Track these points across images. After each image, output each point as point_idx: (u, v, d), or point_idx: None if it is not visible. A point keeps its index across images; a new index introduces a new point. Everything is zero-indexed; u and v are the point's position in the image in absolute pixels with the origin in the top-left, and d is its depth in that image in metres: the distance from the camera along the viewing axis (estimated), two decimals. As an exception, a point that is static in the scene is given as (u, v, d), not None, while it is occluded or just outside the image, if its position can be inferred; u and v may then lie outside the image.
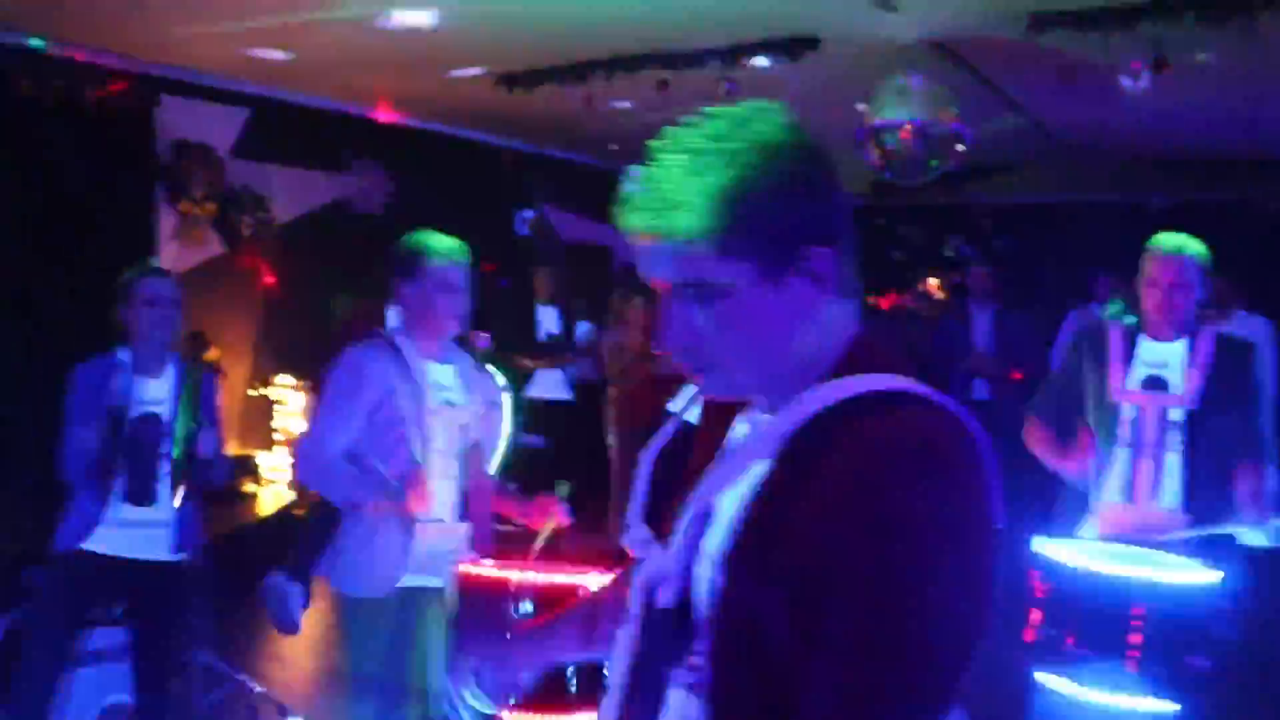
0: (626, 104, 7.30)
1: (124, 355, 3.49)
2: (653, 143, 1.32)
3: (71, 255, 6.02)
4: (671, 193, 1.24)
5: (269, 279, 7.36)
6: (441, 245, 3.17)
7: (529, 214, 9.09)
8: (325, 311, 7.26)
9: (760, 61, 6.32)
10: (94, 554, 3.44)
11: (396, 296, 3.17)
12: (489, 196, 8.80)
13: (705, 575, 1.24)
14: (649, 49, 6.44)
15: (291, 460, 5.14)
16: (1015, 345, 7.26)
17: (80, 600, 3.53)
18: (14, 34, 5.90)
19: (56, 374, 3.51)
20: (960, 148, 5.99)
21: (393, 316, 3.35)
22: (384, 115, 7.97)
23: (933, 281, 10.50)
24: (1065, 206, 10.63)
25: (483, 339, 7.04)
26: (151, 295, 3.48)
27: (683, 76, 6.49)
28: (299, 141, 7.54)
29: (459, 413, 3.20)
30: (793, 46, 6.17)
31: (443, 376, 3.20)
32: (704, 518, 1.27)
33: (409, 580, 3.07)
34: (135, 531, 3.48)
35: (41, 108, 6.05)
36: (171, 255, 6.75)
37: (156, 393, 3.51)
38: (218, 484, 3.79)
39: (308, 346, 6.67)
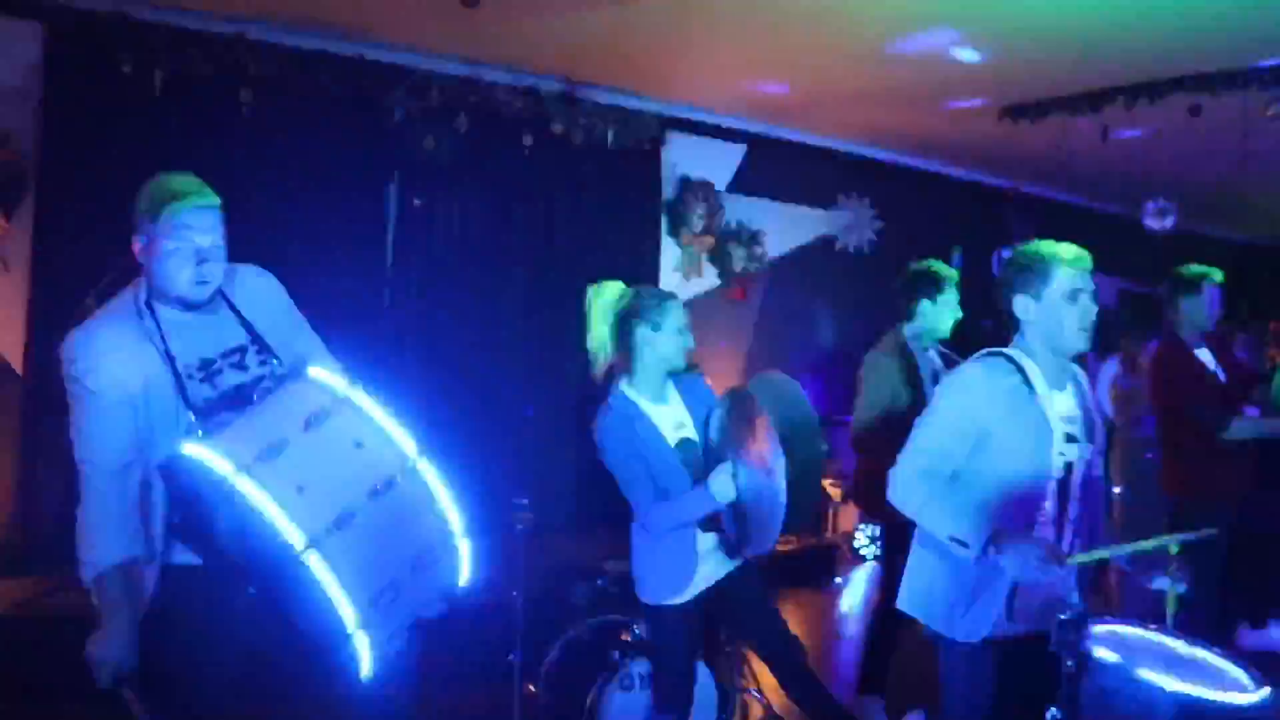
0: (1137, 133, 6.80)
1: (628, 390, 3.37)
2: None
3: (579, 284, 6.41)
4: None
5: (757, 312, 7.53)
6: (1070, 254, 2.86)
7: (1007, 252, 8.68)
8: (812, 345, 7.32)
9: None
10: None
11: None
12: (971, 233, 8.56)
13: None
14: (1178, 72, 5.96)
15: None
16: None
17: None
18: (545, 78, 6.39)
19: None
20: None
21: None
22: (873, 151, 7.95)
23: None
24: None
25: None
26: (679, 325, 3.33)
27: (1218, 100, 5.96)
28: (792, 177, 7.65)
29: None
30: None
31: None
32: None
33: None
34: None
35: (571, 145, 6.50)
36: (672, 286, 7.04)
37: (679, 416, 3.39)
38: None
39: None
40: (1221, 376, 4.55)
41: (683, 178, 7.09)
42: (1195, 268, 4.56)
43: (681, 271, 7.18)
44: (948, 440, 2.77)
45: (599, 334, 3.38)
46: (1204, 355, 4.56)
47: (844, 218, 8.00)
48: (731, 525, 3.20)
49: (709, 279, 7.32)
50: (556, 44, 5.89)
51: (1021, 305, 2.84)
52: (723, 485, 3.09)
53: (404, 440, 2.36)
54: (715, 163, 7.27)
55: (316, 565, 2.13)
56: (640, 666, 3.72)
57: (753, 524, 3.11)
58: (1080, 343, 2.81)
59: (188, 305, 2.58)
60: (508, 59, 6.17)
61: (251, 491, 2.13)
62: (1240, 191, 8.72)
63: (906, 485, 2.76)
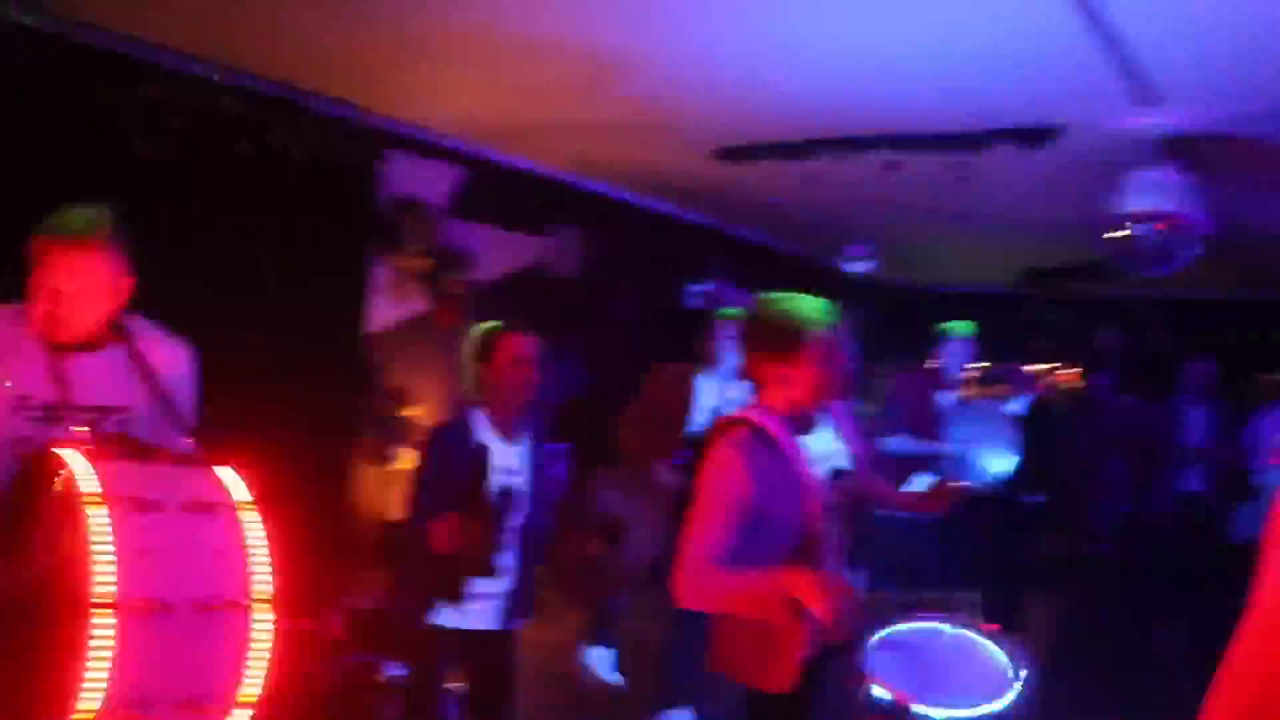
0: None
1: (479, 416, 3.37)
2: None
3: (286, 303, 6.06)
4: None
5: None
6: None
7: (703, 288, 9.05)
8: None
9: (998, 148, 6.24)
10: (442, 628, 3.36)
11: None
12: (667, 267, 8.84)
13: None
14: (879, 130, 6.42)
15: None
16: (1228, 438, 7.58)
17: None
18: (273, 86, 5.96)
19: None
20: (1200, 245, 5.89)
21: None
22: (578, 180, 8.00)
23: (1063, 372, 10.47)
24: (1222, 304, 10.43)
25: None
26: (516, 356, 3.36)
27: (914, 160, 6.47)
28: (507, 202, 7.56)
29: None
30: (1034, 134, 6.11)
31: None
32: None
33: None
34: (479, 603, 3.40)
35: (281, 153, 6.09)
36: (380, 309, 6.76)
37: (511, 460, 3.39)
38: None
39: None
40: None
41: (398, 196, 6.83)
42: None
43: (392, 293, 6.90)
44: None
45: (468, 371, 3.40)
46: None
47: (554, 245, 8.00)
48: None
49: (418, 302, 7.08)
50: (275, 50, 5.52)
51: None
52: None
53: (261, 575, 2.11)
54: (432, 183, 7.05)
55: (101, 630, 1.86)
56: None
57: None
58: None
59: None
60: (224, 57, 5.69)
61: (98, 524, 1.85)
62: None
63: None
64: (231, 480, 2.18)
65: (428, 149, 7.00)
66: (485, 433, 3.33)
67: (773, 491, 2.69)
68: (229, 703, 2.08)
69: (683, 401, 5.13)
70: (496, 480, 3.28)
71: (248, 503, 2.15)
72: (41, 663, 1.90)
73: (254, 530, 2.11)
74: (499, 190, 7.48)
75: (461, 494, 3.25)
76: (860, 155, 6.56)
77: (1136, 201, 5.80)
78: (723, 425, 2.83)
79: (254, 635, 2.08)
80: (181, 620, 1.96)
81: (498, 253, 7.57)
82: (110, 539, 1.88)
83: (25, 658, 1.98)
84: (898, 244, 8.92)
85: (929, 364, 6.47)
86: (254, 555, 2.09)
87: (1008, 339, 11.03)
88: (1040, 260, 10.32)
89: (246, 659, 2.07)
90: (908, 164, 6.49)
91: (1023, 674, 2.76)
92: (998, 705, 2.71)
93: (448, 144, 7.09)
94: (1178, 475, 7.56)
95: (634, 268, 8.49)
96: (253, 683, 2.10)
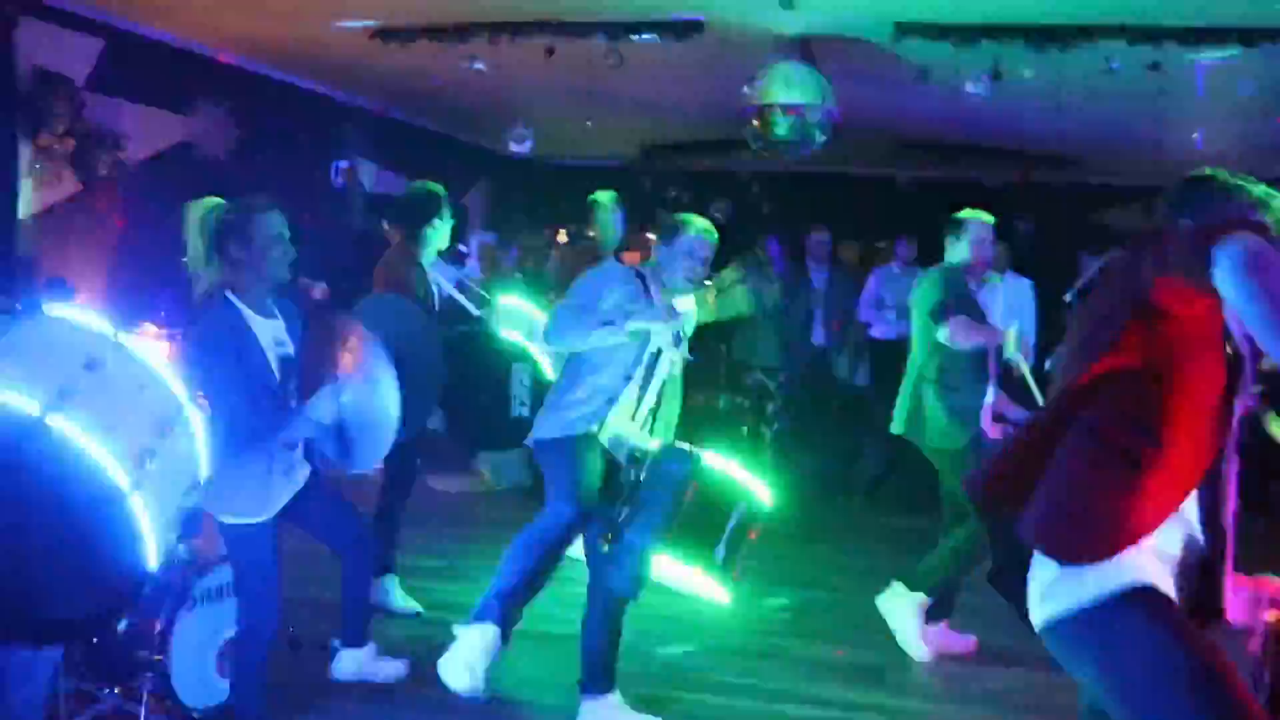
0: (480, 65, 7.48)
1: (233, 298, 3.35)
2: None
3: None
4: None
5: (121, 221, 7.03)
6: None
7: (342, 164, 9.07)
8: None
9: (646, 38, 6.78)
10: None
11: None
12: (317, 146, 8.79)
13: None
14: (536, 17, 6.76)
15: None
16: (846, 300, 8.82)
17: None
18: None
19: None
20: (829, 131, 6.79)
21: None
22: (227, 57, 7.75)
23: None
24: (823, 177, 11.68)
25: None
26: (275, 233, 3.37)
27: (572, 45, 6.87)
28: (153, 78, 7.21)
29: None
30: (680, 28, 6.71)
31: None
32: None
33: None
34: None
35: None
36: (28, 193, 6.37)
37: (279, 333, 3.44)
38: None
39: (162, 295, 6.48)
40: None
41: (39, 70, 6.37)
42: None
43: (38, 176, 6.48)
44: None
45: (195, 250, 3.30)
46: None
47: (203, 124, 7.73)
48: (333, 446, 3.35)
49: (69, 185, 6.69)
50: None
51: None
52: (323, 408, 3.25)
53: (176, 384, 2.34)
54: (73, 56, 6.62)
55: (137, 505, 2.11)
56: (208, 581, 3.66)
57: (356, 442, 3.31)
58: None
59: None
60: None
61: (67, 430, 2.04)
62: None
63: None
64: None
65: (66, 19, 6.56)
66: (244, 312, 3.36)
67: None
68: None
69: None
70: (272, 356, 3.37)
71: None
72: None
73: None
74: (145, 65, 7.14)
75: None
76: (516, 41, 6.88)
77: (775, 93, 6.58)
78: None
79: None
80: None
81: (145, 131, 7.24)
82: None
83: None
84: (540, 124, 9.37)
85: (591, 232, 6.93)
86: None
87: (631, 211, 11.88)
88: (663, 138, 11.10)
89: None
90: (563, 50, 6.88)
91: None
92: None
93: (87, 13, 6.67)
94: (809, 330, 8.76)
95: (286, 147, 8.39)
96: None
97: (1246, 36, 5.95)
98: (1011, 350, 4.47)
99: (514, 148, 7.59)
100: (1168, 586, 2.08)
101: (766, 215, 12.15)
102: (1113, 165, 10.54)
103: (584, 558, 3.99)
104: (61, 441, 2.05)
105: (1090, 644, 2.07)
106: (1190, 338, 2.04)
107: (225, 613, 3.61)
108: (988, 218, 5.04)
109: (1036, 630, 2.15)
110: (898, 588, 4.85)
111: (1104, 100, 7.47)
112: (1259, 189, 2.27)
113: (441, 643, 3.88)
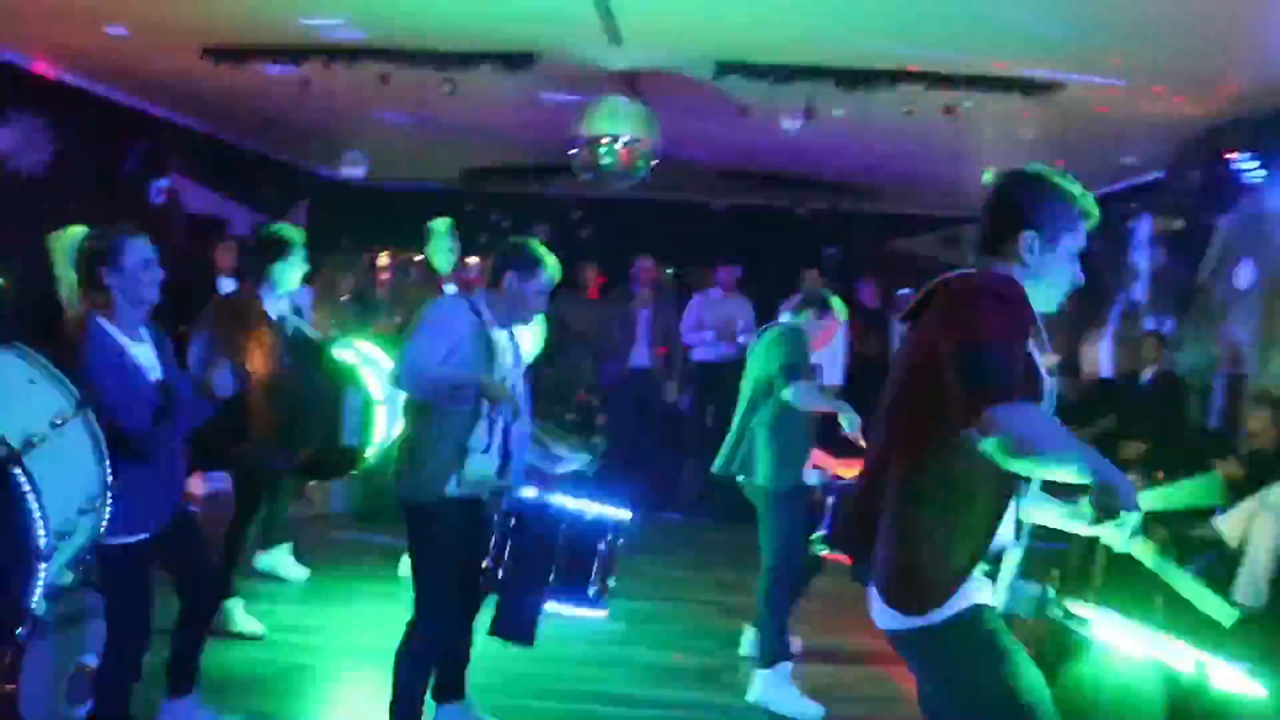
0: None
1: (102, 322, 3.42)
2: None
3: None
4: None
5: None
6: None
7: (164, 183, 8.88)
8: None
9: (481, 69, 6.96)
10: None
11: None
12: (138, 164, 8.59)
13: None
14: (370, 45, 6.86)
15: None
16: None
17: None
18: None
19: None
20: (655, 162, 7.13)
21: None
22: (44, 68, 7.52)
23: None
24: (643, 203, 12.03)
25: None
26: (145, 258, 3.47)
27: (405, 73, 6.99)
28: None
29: None
30: (513, 60, 6.92)
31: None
32: None
33: None
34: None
35: None
36: None
37: (148, 359, 3.53)
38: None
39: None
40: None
41: None
42: None
43: None
44: None
45: (68, 280, 3.37)
46: None
47: (16, 136, 7.45)
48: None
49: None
50: None
51: None
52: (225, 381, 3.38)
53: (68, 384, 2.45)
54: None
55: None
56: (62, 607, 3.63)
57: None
58: None
59: None
60: None
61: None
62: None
63: None
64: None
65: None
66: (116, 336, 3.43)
67: None
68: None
69: None
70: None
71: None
72: None
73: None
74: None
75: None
76: (351, 66, 6.96)
77: (603, 125, 6.87)
78: None
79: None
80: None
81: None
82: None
83: None
84: (362, 147, 9.43)
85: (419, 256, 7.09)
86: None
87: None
88: (486, 161, 11.26)
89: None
90: (396, 77, 7.00)
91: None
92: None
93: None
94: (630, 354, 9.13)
95: (106, 164, 8.19)
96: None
97: (1026, 87, 6.60)
98: (847, 426, 4.77)
99: (347, 172, 7.64)
100: (987, 596, 2.40)
101: (586, 240, 12.51)
102: (912, 196, 11.26)
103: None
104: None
105: (921, 654, 2.41)
106: None
107: (79, 639, 3.62)
108: (843, 315, 5.33)
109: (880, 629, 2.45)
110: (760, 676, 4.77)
111: (905, 137, 8.06)
112: (1076, 187, 2.50)
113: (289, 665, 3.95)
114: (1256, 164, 7.01)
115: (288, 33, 6.69)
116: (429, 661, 3.83)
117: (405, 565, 4.12)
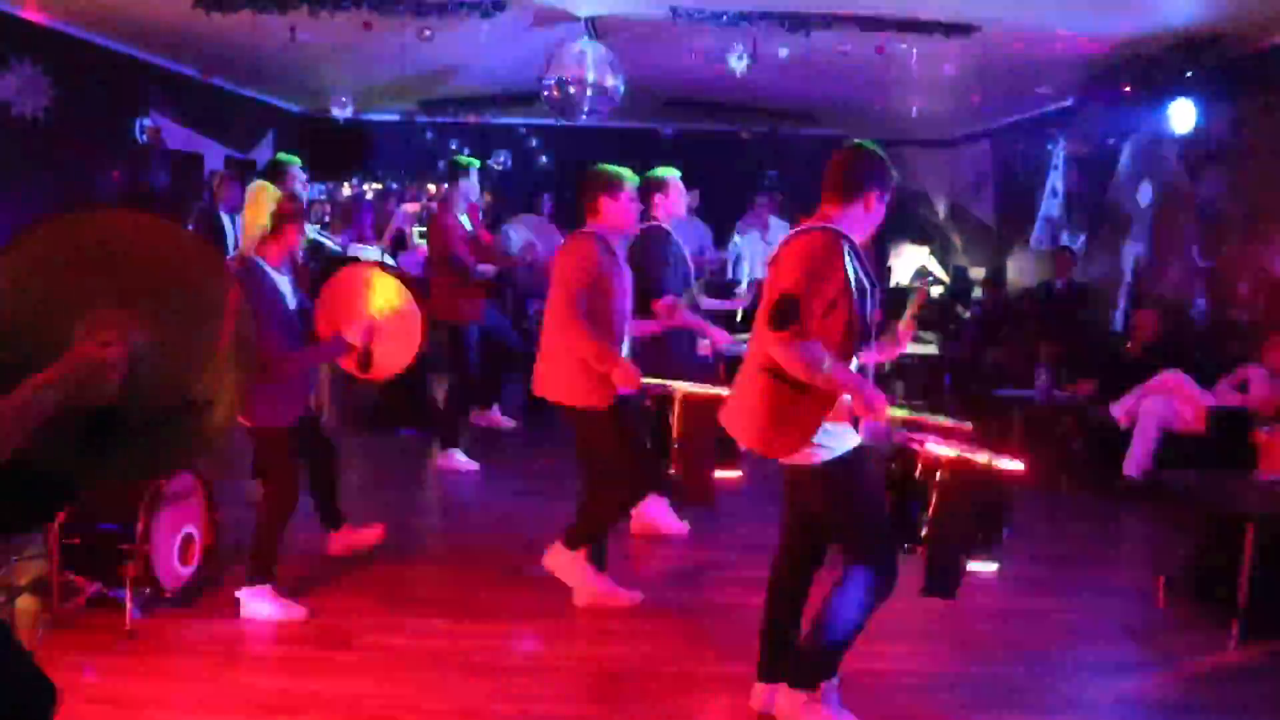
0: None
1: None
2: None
3: None
4: None
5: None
6: None
7: (147, 122, 9.39)
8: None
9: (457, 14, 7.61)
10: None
11: None
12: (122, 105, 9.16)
13: None
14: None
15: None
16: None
17: None
18: None
19: None
20: (616, 99, 7.87)
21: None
22: (35, 15, 7.98)
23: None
24: (595, 131, 12.64)
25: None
26: (300, 209, 4.68)
27: (385, 21, 7.61)
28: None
29: None
30: (487, 7, 7.57)
31: None
32: None
33: None
34: None
35: None
36: None
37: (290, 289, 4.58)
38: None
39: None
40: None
41: None
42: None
43: None
44: None
45: (260, 223, 4.28)
46: None
47: (15, 83, 7.96)
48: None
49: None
50: None
51: None
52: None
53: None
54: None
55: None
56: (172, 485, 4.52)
57: None
58: None
59: None
60: None
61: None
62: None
63: None
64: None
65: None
66: (272, 273, 4.40)
67: None
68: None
69: None
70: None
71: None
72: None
73: None
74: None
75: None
76: (335, 13, 7.57)
77: (564, 66, 7.60)
78: None
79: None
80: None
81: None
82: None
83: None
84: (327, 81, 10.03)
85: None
86: None
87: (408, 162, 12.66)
88: (449, 95, 11.85)
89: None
90: (380, 24, 7.63)
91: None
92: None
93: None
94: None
95: (101, 109, 8.72)
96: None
97: (948, 29, 7.42)
98: None
99: (336, 112, 8.29)
100: (855, 439, 3.49)
101: (542, 167, 13.18)
102: (846, 120, 12.04)
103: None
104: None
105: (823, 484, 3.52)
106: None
107: (185, 512, 4.47)
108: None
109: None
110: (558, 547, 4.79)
111: (840, 72, 8.84)
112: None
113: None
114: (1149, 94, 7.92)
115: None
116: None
117: None
